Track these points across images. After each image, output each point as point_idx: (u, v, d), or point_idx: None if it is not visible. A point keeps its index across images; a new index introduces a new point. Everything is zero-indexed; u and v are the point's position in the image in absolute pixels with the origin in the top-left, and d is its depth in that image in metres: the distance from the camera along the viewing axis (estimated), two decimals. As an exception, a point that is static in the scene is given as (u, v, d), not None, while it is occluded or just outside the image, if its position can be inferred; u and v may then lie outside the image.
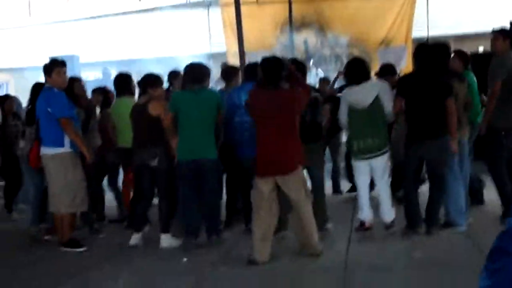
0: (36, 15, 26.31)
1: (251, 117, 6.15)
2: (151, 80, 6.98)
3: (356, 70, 6.62)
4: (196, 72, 6.47)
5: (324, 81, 10.73)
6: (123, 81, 7.91)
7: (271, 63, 5.93)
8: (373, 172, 6.79)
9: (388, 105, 6.43)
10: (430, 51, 6.45)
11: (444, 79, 6.38)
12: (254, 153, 6.10)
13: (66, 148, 6.57)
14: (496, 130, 6.83)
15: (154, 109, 6.57)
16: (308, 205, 6.00)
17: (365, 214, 6.94)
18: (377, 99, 6.37)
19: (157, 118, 6.47)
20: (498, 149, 6.95)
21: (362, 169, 6.77)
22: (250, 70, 7.23)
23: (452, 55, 8.36)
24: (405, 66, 14.85)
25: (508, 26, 12.45)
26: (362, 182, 6.89)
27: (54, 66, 6.71)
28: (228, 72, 7.80)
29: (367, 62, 6.95)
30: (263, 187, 5.85)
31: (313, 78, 12.99)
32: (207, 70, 6.63)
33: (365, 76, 6.59)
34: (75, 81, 7.68)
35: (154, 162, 6.62)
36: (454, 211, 6.80)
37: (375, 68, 15.56)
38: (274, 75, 5.84)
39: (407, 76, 6.73)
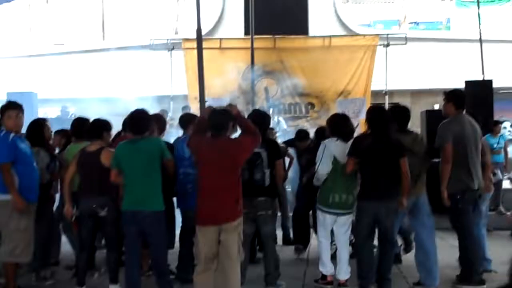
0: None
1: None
2: (104, 125, 6.90)
3: (345, 127, 6.72)
4: (135, 122, 6.25)
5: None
6: (80, 126, 7.60)
7: (218, 116, 5.80)
8: (337, 228, 6.76)
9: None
10: (383, 113, 6.49)
11: (396, 139, 6.40)
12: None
13: (6, 196, 6.40)
14: (451, 195, 6.80)
15: (106, 160, 6.40)
16: (237, 265, 5.71)
17: (328, 268, 6.84)
18: None
19: (108, 168, 6.30)
20: (461, 214, 6.77)
21: (329, 222, 6.73)
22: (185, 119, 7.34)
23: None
24: (364, 118, 15.03)
25: (463, 85, 12.90)
26: (326, 236, 6.85)
27: (5, 109, 6.56)
28: (185, 120, 7.70)
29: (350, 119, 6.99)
30: (202, 237, 5.65)
31: (274, 125, 13.08)
32: (148, 118, 6.37)
33: (352, 135, 6.68)
34: (44, 123, 7.50)
35: (103, 212, 6.43)
36: (423, 271, 6.73)
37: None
38: (220, 127, 5.72)
39: (360, 137, 6.68)
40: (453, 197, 6.67)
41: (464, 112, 6.99)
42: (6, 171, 6.23)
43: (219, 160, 5.57)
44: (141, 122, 6.20)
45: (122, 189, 6.16)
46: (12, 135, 6.38)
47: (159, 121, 7.20)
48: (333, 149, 6.58)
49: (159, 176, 6.06)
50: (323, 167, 6.62)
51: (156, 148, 6.12)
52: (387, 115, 6.49)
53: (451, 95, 7.01)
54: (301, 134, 9.28)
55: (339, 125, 6.80)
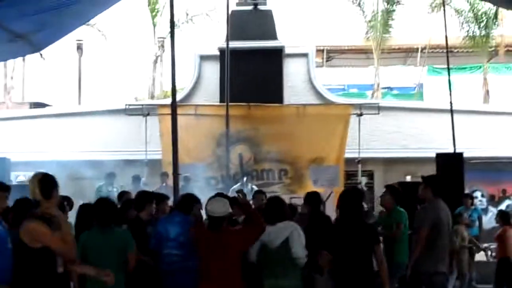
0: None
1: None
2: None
3: (273, 209, 6.44)
4: (103, 212, 6.16)
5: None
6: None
7: (218, 209, 5.97)
8: None
9: (297, 249, 6.21)
10: (354, 196, 6.35)
11: (368, 224, 6.42)
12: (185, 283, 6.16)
13: None
14: (417, 273, 6.89)
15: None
16: None
17: None
18: (286, 241, 6.18)
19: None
20: None
21: None
22: (183, 201, 7.25)
23: (384, 190, 8.76)
24: (338, 186, 15.05)
25: (434, 154, 13.18)
26: None
27: None
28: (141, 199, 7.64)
29: (285, 202, 6.89)
30: None
31: (248, 193, 13.14)
32: (115, 209, 6.35)
33: (280, 217, 6.37)
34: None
35: None
36: None
37: (307, 184, 16.05)
38: (218, 220, 5.90)
39: (331, 227, 6.63)
40: (419, 276, 6.77)
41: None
42: None
43: (223, 255, 5.78)
44: (109, 212, 6.17)
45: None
46: None
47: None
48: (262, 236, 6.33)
49: (123, 267, 6.03)
50: (252, 253, 6.35)
51: (124, 241, 6.09)
52: (356, 197, 6.36)
53: (430, 181, 7.21)
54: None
55: (266, 209, 6.64)
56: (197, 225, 6.23)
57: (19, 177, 16.24)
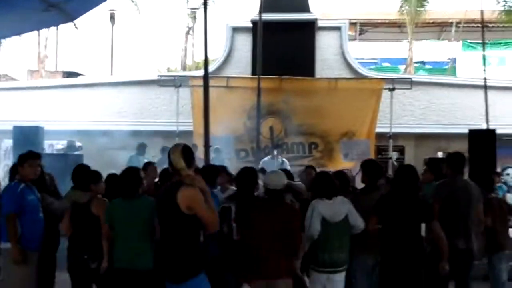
0: (6, 81, 26.44)
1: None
2: (92, 176, 6.88)
3: (327, 184, 6.54)
4: (128, 180, 6.22)
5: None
6: (79, 174, 7.50)
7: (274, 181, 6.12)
8: (331, 287, 6.50)
9: (357, 222, 6.36)
10: (411, 172, 6.42)
11: (424, 200, 6.45)
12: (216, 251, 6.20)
13: (7, 244, 6.46)
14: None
15: (97, 209, 6.47)
16: None
17: None
18: (346, 216, 6.34)
19: (99, 218, 6.36)
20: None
21: (321, 282, 6.48)
22: (206, 173, 6.98)
23: (424, 168, 8.68)
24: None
25: (467, 131, 13.01)
26: None
27: (26, 158, 6.66)
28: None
29: (333, 176, 6.90)
30: None
31: (277, 166, 13.11)
32: (139, 176, 6.33)
33: (336, 191, 6.52)
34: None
35: (94, 265, 6.44)
36: None
37: (337, 158, 15.98)
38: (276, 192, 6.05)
39: (386, 196, 6.48)
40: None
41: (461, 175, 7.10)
42: (10, 221, 6.38)
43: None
44: (134, 180, 6.21)
45: (111, 245, 6.18)
46: (21, 186, 6.56)
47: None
48: (321, 210, 6.41)
49: (149, 234, 6.06)
50: (314, 228, 6.41)
51: (149, 208, 6.10)
52: (416, 174, 6.44)
53: (449, 159, 7.25)
54: None
55: (318, 184, 6.70)
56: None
57: (58, 145, 16.39)
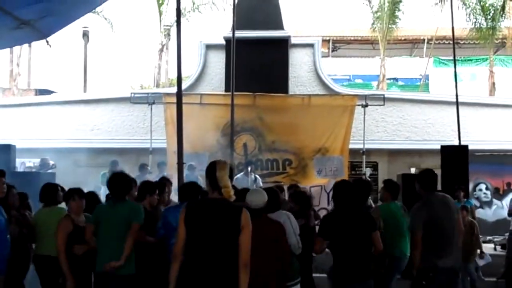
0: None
1: None
2: (71, 194, 6.90)
3: (269, 200, 6.31)
4: (115, 185, 6.37)
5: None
6: (50, 192, 7.50)
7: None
8: None
9: (291, 238, 6.34)
10: (350, 188, 6.48)
11: (367, 212, 6.48)
12: None
13: None
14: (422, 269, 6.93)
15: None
16: None
17: None
18: None
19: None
20: None
21: None
22: (186, 189, 7.17)
23: (382, 185, 8.76)
24: (342, 177, 15.07)
25: (439, 146, 13.19)
26: None
27: None
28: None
29: (279, 192, 6.87)
30: None
31: (250, 183, 13.17)
32: (128, 182, 6.52)
33: (275, 207, 6.52)
34: (10, 189, 7.28)
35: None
36: None
37: (311, 175, 16.05)
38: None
39: (328, 216, 6.57)
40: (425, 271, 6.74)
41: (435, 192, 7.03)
42: None
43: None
44: (121, 185, 6.28)
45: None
46: None
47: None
48: None
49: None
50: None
51: (127, 212, 6.17)
52: (352, 189, 6.46)
53: (419, 177, 7.18)
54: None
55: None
56: None
57: (29, 163, 16.25)
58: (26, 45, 28.06)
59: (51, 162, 15.22)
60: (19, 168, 15.46)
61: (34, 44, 23.83)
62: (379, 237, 6.32)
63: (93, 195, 7.66)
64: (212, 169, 4.93)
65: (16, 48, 28.37)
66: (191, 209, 4.86)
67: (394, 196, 8.44)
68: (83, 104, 19.53)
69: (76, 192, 6.92)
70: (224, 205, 4.85)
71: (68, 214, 6.80)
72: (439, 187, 11.97)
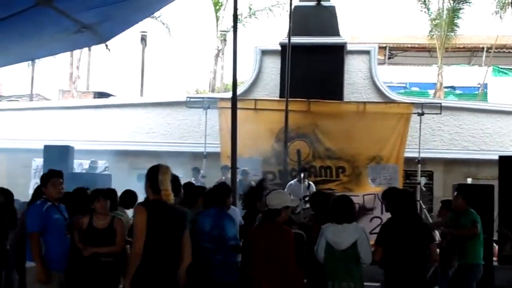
0: (38, 101, 26.88)
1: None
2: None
3: (341, 209, 6.36)
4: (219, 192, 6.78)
5: None
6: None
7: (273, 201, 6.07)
8: None
9: (365, 254, 6.19)
10: (407, 197, 6.45)
11: (424, 222, 6.42)
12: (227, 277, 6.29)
13: (31, 263, 6.46)
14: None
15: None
16: None
17: None
18: (354, 244, 6.16)
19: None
20: None
21: None
22: (213, 194, 7.09)
23: (455, 193, 8.71)
24: (397, 186, 14.91)
25: (497, 157, 12.90)
26: None
27: (49, 177, 6.67)
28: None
29: (353, 202, 6.74)
30: None
31: (303, 190, 13.08)
32: (177, 184, 6.47)
33: (349, 217, 6.34)
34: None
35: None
36: None
37: (365, 183, 15.89)
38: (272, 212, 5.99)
39: (387, 224, 6.44)
40: None
41: None
42: (34, 240, 6.38)
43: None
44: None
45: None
46: (47, 205, 6.54)
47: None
48: (328, 234, 6.32)
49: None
50: (320, 252, 6.37)
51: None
52: (413, 199, 6.51)
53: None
54: None
55: (333, 207, 6.52)
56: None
57: (86, 165, 16.53)
58: (85, 48, 28.67)
59: (101, 164, 15.47)
60: (77, 169, 15.77)
61: (94, 47, 24.36)
62: (436, 249, 6.25)
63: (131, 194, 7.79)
64: (154, 172, 5.23)
65: (76, 52, 29.05)
66: (151, 211, 5.11)
67: (469, 203, 8.41)
68: (140, 108, 19.81)
69: (100, 193, 7.01)
70: (174, 208, 5.29)
71: (90, 214, 6.91)
72: (496, 198, 11.82)
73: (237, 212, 7.67)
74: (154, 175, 5.20)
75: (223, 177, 14.14)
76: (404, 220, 6.21)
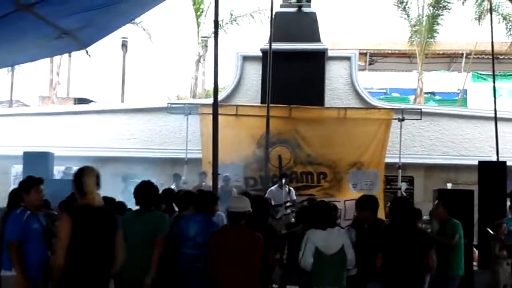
0: (17, 107, 26.66)
1: None
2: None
3: (323, 214, 6.45)
4: (141, 194, 6.44)
5: None
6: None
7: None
8: None
9: (352, 257, 6.29)
10: (405, 204, 6.51)
11: (422, 229, 6.48)
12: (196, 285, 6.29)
13: (6, 272, 6.43)
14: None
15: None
16: None
17: None
18: (342, 248, 6.24)
19: None
20: None
21: None
22: (201, 200, 7.06)
23: (436, 202, 8.78)
24: (378, 191, 15.05)
25: (476, 162, 13.00)
26: None
27: (30, 184, 6.64)
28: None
29: (332, 206, 6.79)
30: None
31: (284, 196, 13.14)
32: (154, 191, 6.55)
33: (331, 222, 6.48)
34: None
35: None
36: None
37: (346, 188, 15.97)
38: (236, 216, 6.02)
39: (387, 230, 6.46)
40: None
41: None
42: (13, 249, 6.33)
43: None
44: (147, 194, 6.35)
45: None
46: (27, 214, 6.49)
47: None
48: (315, 240, 6.34)
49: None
50: (307, 260, 6.35)
51: (155, 223, 6.23)
52: (409, 205, 6.51)
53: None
54: None
55: (315, 213, 6.63)
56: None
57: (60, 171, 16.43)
58: (66, 54, 28.51)
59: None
60: (57, 176, 15.67)
61: (74, 53, 24.24)
62: (434, 256, 6.29)
63: (121, 205, 7.77)
64: (79, 174, 5.18)
65: (56, 58, 28.86)
66: (76, 218, 5.03)
67: (450, 212, 8.51)
68: (121, 114, 19.74)
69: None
70: (101, 211, 5.20)
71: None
72: (476, 203, 11.93)
73: (222, 217, 7.69)
74: (78, 178, 5.15)
75: (203, 183, 14.15)
76: (403, 226, 6.24)
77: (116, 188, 12.65)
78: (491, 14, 16.25)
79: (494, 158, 14.00)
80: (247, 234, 5.93)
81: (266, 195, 13.10)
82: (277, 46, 15.63)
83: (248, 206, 6.05)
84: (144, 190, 6.44)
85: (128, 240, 6.04)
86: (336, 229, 6.38)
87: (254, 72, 19.07)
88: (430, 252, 6.30)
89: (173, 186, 14.03)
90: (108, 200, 7.46)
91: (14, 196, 7.07)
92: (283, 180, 13.59)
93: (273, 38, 14.99)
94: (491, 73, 15.60)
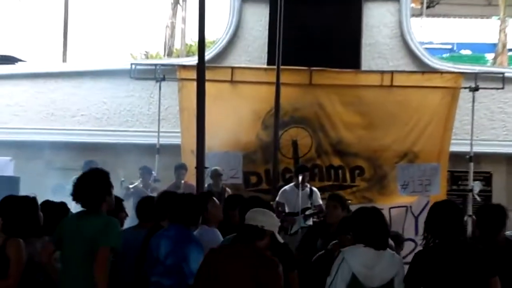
0: None
1: None
2: None
3: (379, 227, 6.34)
4: (82, 188, 6.49)
5: None
6: None
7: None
8: None
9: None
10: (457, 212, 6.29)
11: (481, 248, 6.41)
12: None
13: None
14: None
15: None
16: None
17: None
18: (391, 283, 6.14)
19: None
20: None
21: None
22: (182, 207, 7.06)
23: None
24: (438, 193, 14.91)
25: None
26: None
27: None
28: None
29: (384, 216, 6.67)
30: None
31: (303, 199, 13.09)
32: (101, 185, 6.54)
33: (386, 241, 6.38)
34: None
35: None
36: None
37: (392, 190, 15.96)
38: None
39: (420, 255, 6.25)
40: None
41: None
42: None
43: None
44: (90, 188, 6.39)
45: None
46: None
47: None
48: (354, 263, 6.23)
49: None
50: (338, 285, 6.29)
51: (94, 231, 6.25)
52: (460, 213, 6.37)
53: None
54: None
55: (358, 223, 6.46)
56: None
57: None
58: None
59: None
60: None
61: None
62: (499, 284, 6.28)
63: (63, 208, 7.80)
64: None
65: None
66: None
67: None
68: (61, 79, 19.63)
69: None
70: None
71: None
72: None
73: (217, 234, 7.62)
74: None
75: (182, 181, 14.19)
76: (451, 245, 6.14)
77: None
78: None
79: None
80: (260, 261, 5.81)
81: (278, 199, 13.16)
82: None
83: (272, 223, 6.00)
84: (80, 181, 6.48)
85: (67, 253, 6.14)
86: (389, 252, 6.28)
87: (258, 19, 19.04)
88: (493, 280, 6.17)
89: (140, 184, 14.09)
90: (48, 205, 7.58)
91: None
92: (301, 177, 13.56)
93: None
94: None
